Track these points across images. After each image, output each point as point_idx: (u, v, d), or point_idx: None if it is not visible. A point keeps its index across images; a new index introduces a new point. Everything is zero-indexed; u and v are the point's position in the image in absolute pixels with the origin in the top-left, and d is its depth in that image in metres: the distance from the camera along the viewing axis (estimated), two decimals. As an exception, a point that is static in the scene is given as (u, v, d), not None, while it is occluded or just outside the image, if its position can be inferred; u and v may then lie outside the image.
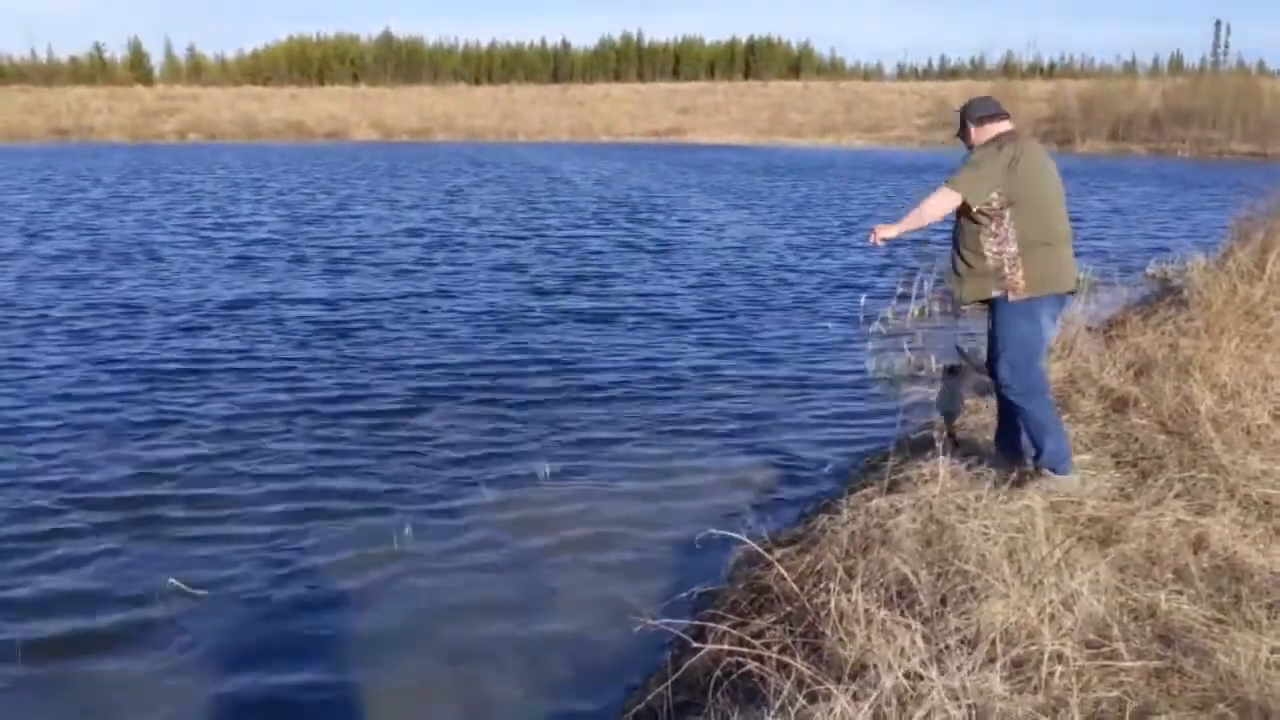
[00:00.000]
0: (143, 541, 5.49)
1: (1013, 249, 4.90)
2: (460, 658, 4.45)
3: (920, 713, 2.85)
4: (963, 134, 5.16)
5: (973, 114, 5.10)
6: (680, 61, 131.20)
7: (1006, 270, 4.93)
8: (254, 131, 61.89)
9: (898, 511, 4.58)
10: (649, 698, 3.78)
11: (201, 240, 16.65)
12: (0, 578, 5.05)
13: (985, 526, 4.23)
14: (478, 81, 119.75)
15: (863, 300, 11.87)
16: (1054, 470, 4.97)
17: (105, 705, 4.11)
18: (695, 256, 15.88)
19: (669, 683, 3.74)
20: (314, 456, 6.77)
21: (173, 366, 8.84)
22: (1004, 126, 5.04)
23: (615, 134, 68.46)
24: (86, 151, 43.49)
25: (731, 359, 9.50)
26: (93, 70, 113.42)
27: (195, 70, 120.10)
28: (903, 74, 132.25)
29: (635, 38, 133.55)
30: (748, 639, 3.70)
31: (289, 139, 58.60)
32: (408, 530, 5.64)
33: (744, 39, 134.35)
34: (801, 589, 4.06)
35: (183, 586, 4.97)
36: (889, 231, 5.29)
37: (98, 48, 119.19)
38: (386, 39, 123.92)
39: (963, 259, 5.06)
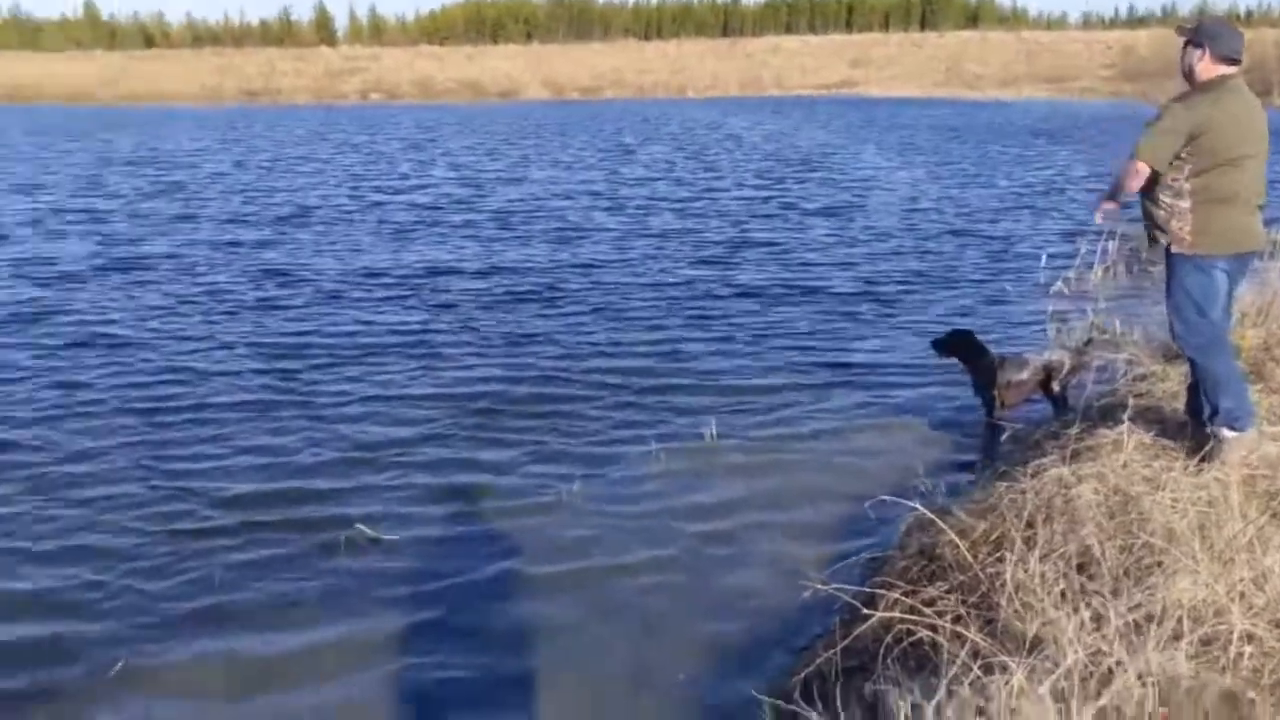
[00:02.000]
0: (322, 492, 5.78)
1: (1185, 203, 4.65)
2: (624, 613, 4.54)
3: (1104, 690, 2.76)
4: (1187, 61, 4.70)
5: (1218, 46, 4.60)
6: (853, 13, 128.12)
7: (1175, 222, 4.69)
8: (431, 91, 63.32)
9: (1080, 481, 4.43)
10: (817, 661, 3.77)
11: (372, 205, 17.07)
12: (193, 522, 5.39)
13: (1173, 499, 4.06)
14: (647, 37, 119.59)
15: (1043, 260, 11.43)
16: (1231, 428, 4.70)
17: (296, 648, 4.34)
18: (867, 215, 15.57)
19: (838, 648, 3.72)
20: (482, 415, 6.94)
21: (345, 331, 9.17)
22: (1229, 72, 4.68)
23: (785, 87, 67.37)
24: (273, 113, 45.38)
25: (905, 321, 9.33)
26: (280, 33, 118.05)
27: (376, 31, 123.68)
28: (1088, 23, 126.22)
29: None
30: (919, 607, 3.65)
31: (464, 98, 59.80)
32: (576, 486, 5.76)
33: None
34: (976, 558, 3.98)
35: (366, 531, 5.20)
36: (1108, 205, 5.07)
37: (285, 10, 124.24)
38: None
39: (1142, 205, 4.86)
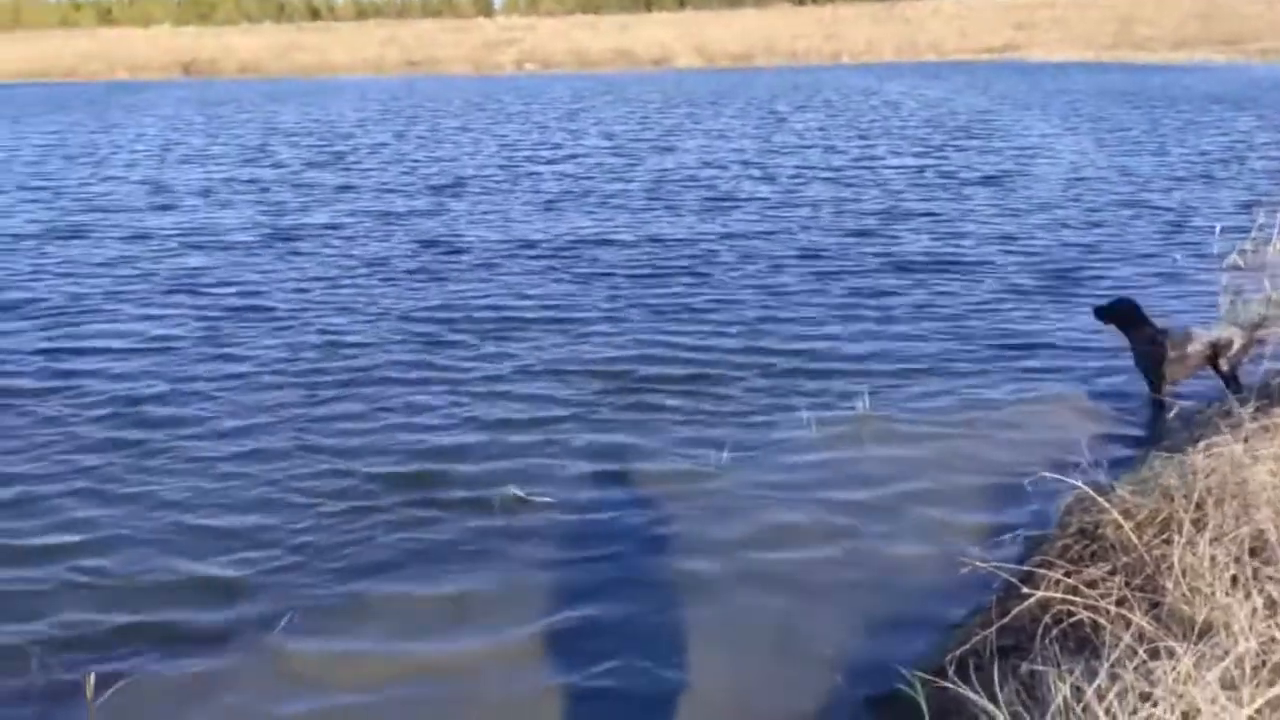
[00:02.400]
0: (486, 451, 5.94)
1: None
2: (773, 581, 4.55)
3: (1277, 679, 2.66)
4: None
5: None
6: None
7: None
8: (585, 61, 63.77)
9: (1255, 461, 4.23)
10: (973, 640, 3.72)
11: (525, 175, 17.31)
12: (348, 481, 5.62)
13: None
14: (801, 2, 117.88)
15: (1217, 231, 10.89)
16: None
17: (454, 604, 4.49)
18: (1029, 185, 15.09)
19: (994, 627, 3.66)
20: (632, 385, 6.97)
21: (497, 303, 9.36)
22: None
23: (943, 52, 65.53)
24: (433, 84, 46.42)
25: (1067, 294, 9.03)
26: (440, 4, 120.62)
27: (532, 2, 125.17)
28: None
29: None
30: (1080, 587, 3.57)
31: (618, 67, 60.06)
32: (726, 454, 5.78)
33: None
34: (1141, 539, 3.86)
35: (517, 492, 5.34)
36: None
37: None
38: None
39: None
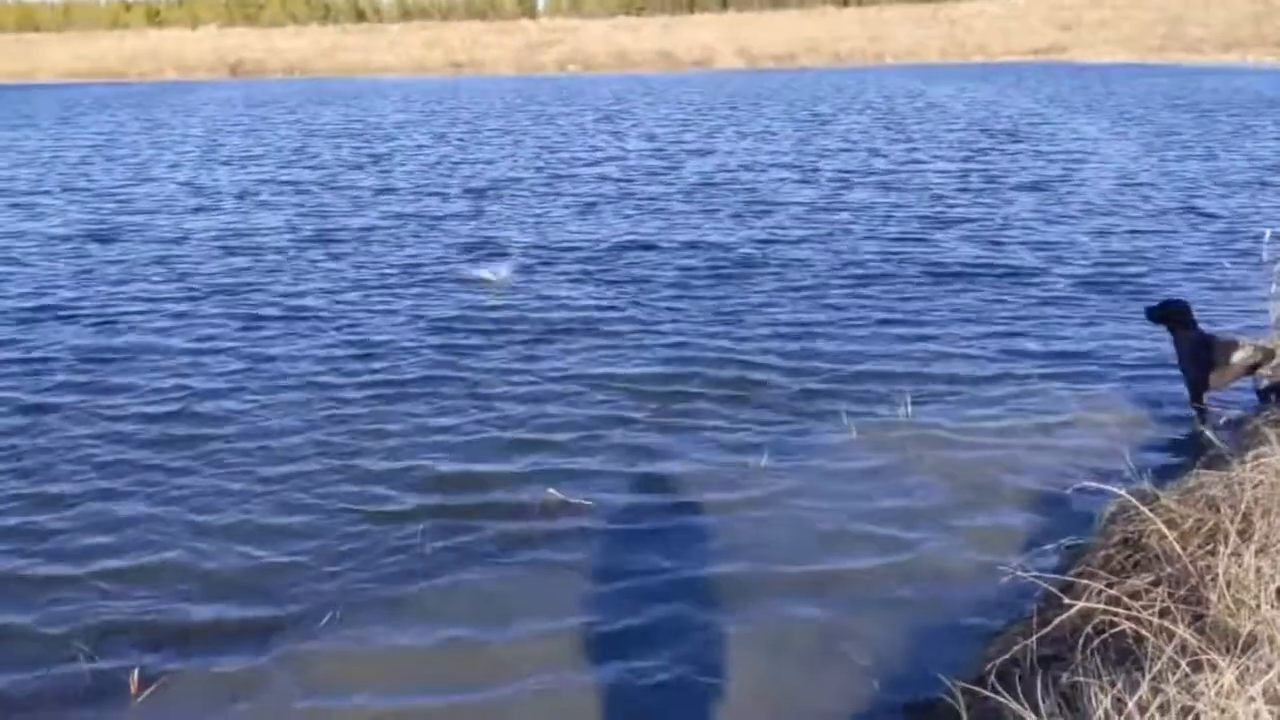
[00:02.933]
0: (529, 453, 5.97)
1: None
2: (812, 589, 4.54)
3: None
4: None
5: None
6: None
7: None
8: (627, 62, 63.94)
9: (1304, 473, 4.18)
10: (1013, 649, 3.70)
11: (564, 177, 17.37)
12: (379, 487, 5.67)
13: None
14: (846, 3, 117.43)
15: (1267, 236, 10.73)
16: None
17: (494, 601, 4.53)
18: (1076, 191, 14.95)
19: (1034, 636, 3.64)
20: (670, 389, 6.97)
21: (532, 307, 9.45)
22: None
23: (989, 54, 65.17)
24: (476, 84, 46.68)
25: (1112, 302, 8.94)
26: (484, 6, 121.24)
27: (575, 3, 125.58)
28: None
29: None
30: (1123, 598, 3.54)
31: (659, 68, 60.18)
32: (765, 459, 5.79)
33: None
34: (1185, 550, 3.82)
35: (557, 495, 5.37)
36: None
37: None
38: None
39: None
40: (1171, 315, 6.38)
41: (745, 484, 5.54)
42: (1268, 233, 10.83)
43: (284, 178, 17.86)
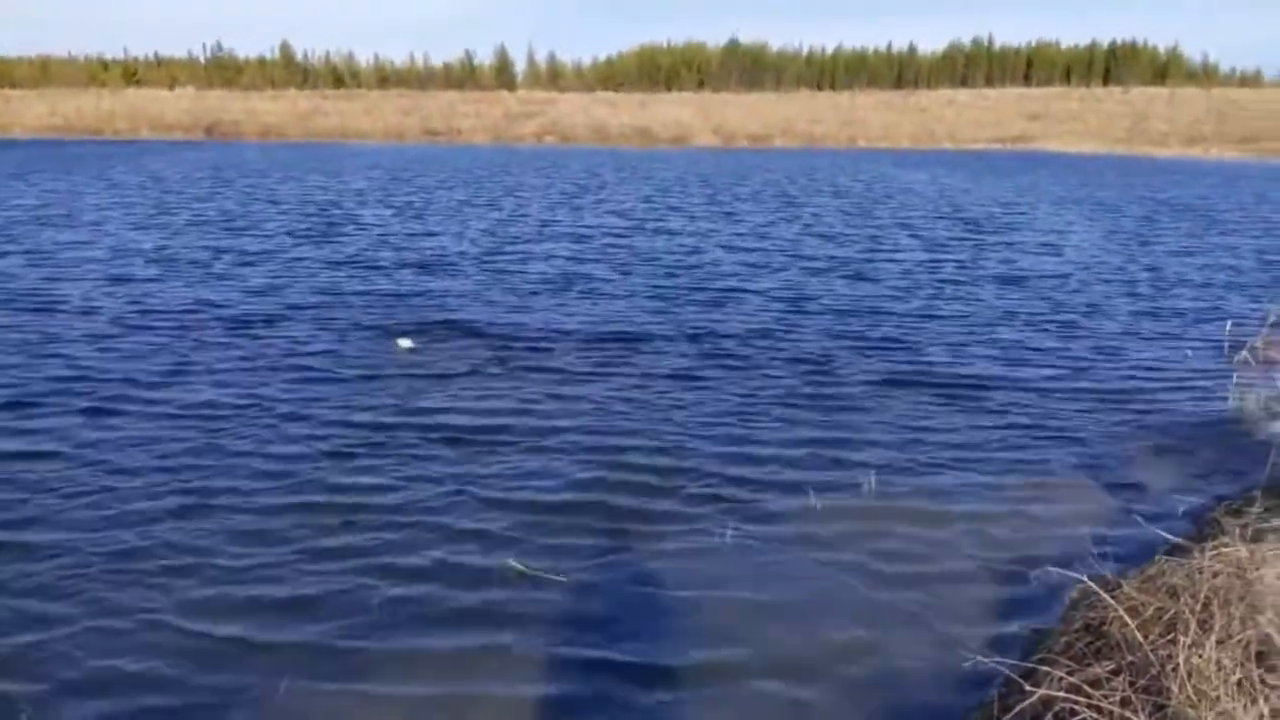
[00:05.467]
0: (472, 530, 5.89)
1: None
2: (773, 670, 4.48)
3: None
4: None
5: None
6: (1032, 66, 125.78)
7: None
8: (604, 136, 64.63)
9: (1262, 564, 4.19)
10: (973, 736, 3.66)
11: (518, 257, 17.18)
12: (337, 559, 5.58)
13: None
14: (820, 87, 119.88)
15: (1228, 327, 10.89)
16: None
17: (453, 675, 4.43)
18: (1042, 280, 15.10)
19: (996, 722, 3.60)
20: (631, 463, 6.91)
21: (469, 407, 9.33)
22: None
23: (958, 141, 66.31)
24: (451, 153, 46.96)
25: (1078, 386, 8.99)
26: (462, 76, 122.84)
27: (553, 77, 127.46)
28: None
29: (986, 42, 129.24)
30: (1084, 686, 3.51)
31: (635, 144, 60.86)
32: (729, 534, 5.74)
33: (1104, 42, 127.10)
34: (1146, 638, 3.80)
35: (516, 565, 5.30)
36: None
37: (468, 55, 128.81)
38: (733, 46, 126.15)
39: None
40: None
41: (707, 557, 5.50)
42: (1228, 323, 11.03)
43: (224, 244, 16.79)
